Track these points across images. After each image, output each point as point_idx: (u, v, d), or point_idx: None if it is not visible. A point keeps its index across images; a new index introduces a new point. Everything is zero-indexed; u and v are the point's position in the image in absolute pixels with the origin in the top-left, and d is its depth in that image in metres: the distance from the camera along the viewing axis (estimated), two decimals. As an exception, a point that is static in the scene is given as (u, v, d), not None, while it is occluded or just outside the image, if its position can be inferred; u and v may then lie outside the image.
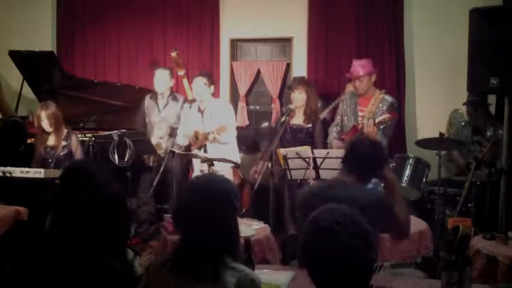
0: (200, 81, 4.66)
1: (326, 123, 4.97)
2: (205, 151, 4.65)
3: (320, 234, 1.58)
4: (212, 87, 4.74)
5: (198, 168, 4.59)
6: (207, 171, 4.06)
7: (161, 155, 5.04)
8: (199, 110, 4.74)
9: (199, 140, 4.67)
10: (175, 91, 5.51)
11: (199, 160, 4.54)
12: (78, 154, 4.80)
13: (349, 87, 4.98)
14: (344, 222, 1.57)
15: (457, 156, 4.78)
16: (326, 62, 5.72)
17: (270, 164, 4.25)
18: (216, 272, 1.71)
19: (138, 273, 2.00)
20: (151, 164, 5.15)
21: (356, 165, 2.60)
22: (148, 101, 5.27)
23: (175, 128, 5.12)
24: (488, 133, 4.55)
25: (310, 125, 4.67)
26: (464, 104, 4.76)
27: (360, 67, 4.60)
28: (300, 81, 4.83)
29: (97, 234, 1.75)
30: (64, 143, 4.73)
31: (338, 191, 2.45)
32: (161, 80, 5.18)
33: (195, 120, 4.74)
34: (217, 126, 4.49)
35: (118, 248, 1.85)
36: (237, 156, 4.82)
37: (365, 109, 4.55)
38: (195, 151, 4.71)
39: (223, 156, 4.34)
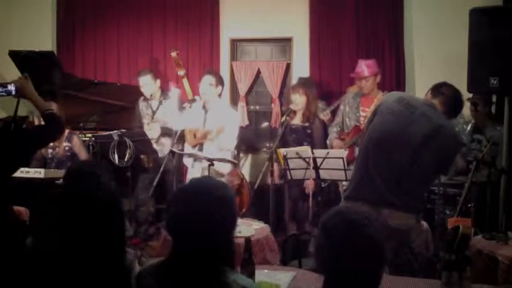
0: (207, 81, 4.60)
1: (325, 124, 4.96)
2: (201, 150, 4.64)
3: (349, 226, 1.61)
4: (219, 88, 4.67)
5: (196, 168, 4.60)
6: (207, 171, 4.06)
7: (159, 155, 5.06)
8: (204, 107, 4.70)
9: (197, 138, 4.65)
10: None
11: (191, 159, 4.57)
12: (83, 155, 4.80)
13: (351, 90, 4.97)
14: (370, 217, 1.64)
15: (457, 158, 4.76)
16: (326, 62, 5.72)
17: (270, 164, 4.26)
18: (221, 284, 1.64)
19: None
20: (147, 165, 5.16)
21: None
22: (141, 103, 5.29)
23: (169, 129, 5.12)
24: (487, 133, 4.54)
25: (307, 125, 4.67)
26: (468, 99, 4.75)
27: (366, 67, 4.62)
28: (301, 83, 4.83)
29: (91, 235, 1.71)
30: (65, 143, 4.72)
31: None
32: (147, 85, 5.18)
33: (197, 117, 4.69)
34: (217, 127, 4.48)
35: (115, 251, 1.80)
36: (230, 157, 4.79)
37: (367, 109, 4.56)
38: (195, 151, 4.71)
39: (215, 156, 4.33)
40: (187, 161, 4.82)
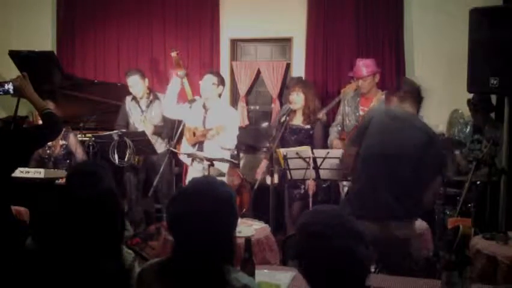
0: (209, 80, 4.59)
1: (325, 124, 4.95)
2: (201, 148, 4.64)
3: (311, 239, 1.61)
4: (220, 88, 4.66)
5: (195, 166, 4.59)
6: (207, 171, 4.06)
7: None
8: (204, 106, 4.71)
9: (196, 137, 4.64)
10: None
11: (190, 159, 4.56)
12: (79, 153, 4.79)
13: (349, 88, 4.95)
14: (331, 223, 1.60)
15: (459, 158, 4.77)
16: (325, 62, 5.70)
17: (270, 164, 4.25)
18: (222, 282, 1.65)
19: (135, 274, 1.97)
20: (136, 164, 5.14)
21: None
22: (129, 102, 5.25)
23: (159, 126, 5.11)
24: (487, 133, 4.54)
25: (309, 126, 4.65)
26: (468, 100, 4.75)
27: (364, 67, 4.61)
28: (297, 82, 4.82)
29: (89, 231, 1.71)
30: (61, 142, 4.73)
31: None
32: (136, 85, 5.13)
33: (197, 116, 4.70)
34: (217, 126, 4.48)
35: (112, 246, 1.80)
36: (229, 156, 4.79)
37: (366, 109, 4.56)
38: (194, 151, 4.70)
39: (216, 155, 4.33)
40: (186, 159, 4.81)
